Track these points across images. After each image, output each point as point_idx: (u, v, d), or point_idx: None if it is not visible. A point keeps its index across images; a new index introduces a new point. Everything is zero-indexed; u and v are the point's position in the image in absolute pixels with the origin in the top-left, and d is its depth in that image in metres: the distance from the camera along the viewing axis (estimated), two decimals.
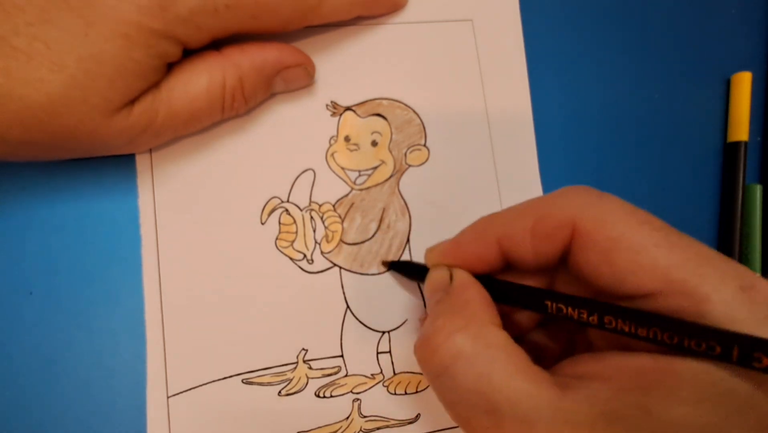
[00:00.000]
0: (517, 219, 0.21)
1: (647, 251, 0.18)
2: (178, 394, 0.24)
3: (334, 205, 0.27)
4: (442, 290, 0.21)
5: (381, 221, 0.27)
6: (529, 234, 0.20)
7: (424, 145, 0.28)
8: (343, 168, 0.27)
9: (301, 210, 0.26)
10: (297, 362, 0.25)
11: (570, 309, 0.19)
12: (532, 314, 0.23)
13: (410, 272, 0.25)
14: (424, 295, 0.22)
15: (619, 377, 0.17)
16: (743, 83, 0.31)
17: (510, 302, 0.21)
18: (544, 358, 0.23)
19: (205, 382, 0.24)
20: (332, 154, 0.27)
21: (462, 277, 0.21)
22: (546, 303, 0.20)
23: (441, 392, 0.19)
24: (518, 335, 0.23)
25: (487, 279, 0.21)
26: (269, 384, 0.25)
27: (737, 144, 0.31)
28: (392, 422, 0.26)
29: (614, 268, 0.18)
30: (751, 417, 0.16)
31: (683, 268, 0.17)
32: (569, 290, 0.22)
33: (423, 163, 0.28)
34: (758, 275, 0.18)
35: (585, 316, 0.19)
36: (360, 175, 0.27)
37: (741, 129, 0.31)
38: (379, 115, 0.28)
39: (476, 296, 0.20)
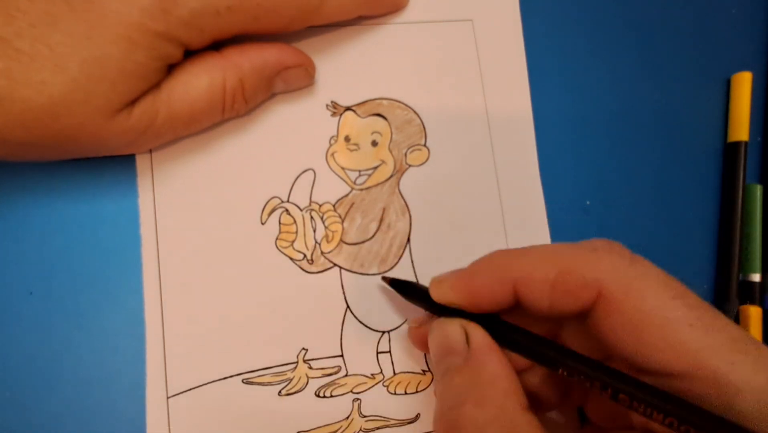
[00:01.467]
0: (539, 266, 0.19)
1: (680, 331, 0.17)
2: (178, 394, 0.24)
3: (334, 205, 0.27)
4: (457, 354, 0.20)
5: (381, 221, 0.27)
6: (549, 286, 0.19)
7: (425, 145, 0.28)
8: (343, 168, 0.27)
9: (301, 210, 0.26)
10: (297, 362, 0.25)
11: (582, 376, 0.18)
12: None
13: (411, 294, 0.24)
14: (432, 351, 0.21)
15: None
16: (743, 83, 0.31)
17: (517, 350, 0.20)
18: (539, 403, 0.22)
19: (205, 382, 0.24)
20: (332, 154, 0.27)
21: (481, 340, 0.20)
22: (558, 366, 0.19)
23: None
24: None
25: (496, 320, 0.20)
26: (269, 384, 0.25)
27: (737, 144, 0.31)
28: (392, 421, 0.26)
29: (641, 342, 0.17)
30: None
31: (715, 353, 0.17)
32: (579, 342, 0.21)
33: (423, 163, 0.28)
34: None
35: (598, 386, 0.18)
36: (360, 175, 0.27)
37: (741, 129, 0.31)
38: (379, 115, 0.28)
39: (501, 371, 0.19)
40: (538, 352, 0.19)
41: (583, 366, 0.18)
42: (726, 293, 0.30)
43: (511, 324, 0.20)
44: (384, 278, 0.25)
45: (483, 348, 0.19)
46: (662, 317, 0.17)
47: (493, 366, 0.19)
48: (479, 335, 0.20)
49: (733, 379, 0.16)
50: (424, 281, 0.27)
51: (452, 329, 0.20)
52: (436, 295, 0.21)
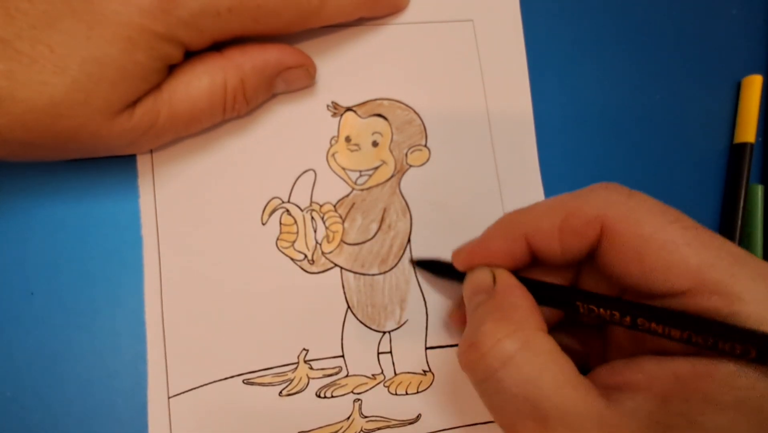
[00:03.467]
0: (545, 215, 0.21)
1: (679, 250, 0.18)
2: (179, 394, 0.24)
3: (334, 206, 0.27)
4: (485, 291, 0.21)
5: (382, 221, 0.27)
6: (557, 230, 0.20)
7: (425, 146, 0.28)
8: (343, 168, 0.27)
9: (301, 210, 0.26)
10: (298, 363, 0.25)
11: (602, 310, 0.19)
12: (553, 314, 0.23)
13: (440, 270, 0.25)
14: (465, 296, 0.22)
15: (659, 385, 0.17)
16: (754, 86, 0.32)
17: (541, 302, 0.21)
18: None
19: (206, 382, 0.24)
20: (333, 155, 0.27)
21: (506, 279, 0.21)
22: (577, 304, 0.20)
23: (487, 396, 0.19)
24: None
25: (524, 279, 0.21)
26: (270, 384, 0.25)
27: (743, 145, 0.31)
28: (393, 422, 0.26)
29: (644, 266, 0.18)
30: None
31: (715, 267, 0.17)
32: (595, 285, 0.22)
33: (424, 164, 0.28)
34: None
35: (618, 316, 0.19)
36: (361, 176, 0.27)
37: (749, 131, 0.31)
38: (379, 115, 0.28)
39: (523, 301, 0.20)
40: (558, 298, 0.21)
41: (597, 302, 0.19)
42: None
43: (533, 280, 0.21)
44: (411, 261, 0.26)
45: (507, 284, 0.21)
46: (661, 240, 0.18)
47: (515, 297, 0.20)
48: (504, 275, 0.21)
49: (735, 289, 0.17)
50: (425, 281, 0.27)
51: (480, 272, 0.22)
52: (459, 264, 0.23)
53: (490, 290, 0.21)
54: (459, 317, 0.25)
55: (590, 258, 0.21)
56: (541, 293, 0.21)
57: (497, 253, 0.22)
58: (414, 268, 0.26)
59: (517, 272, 0.22)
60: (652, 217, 0.19)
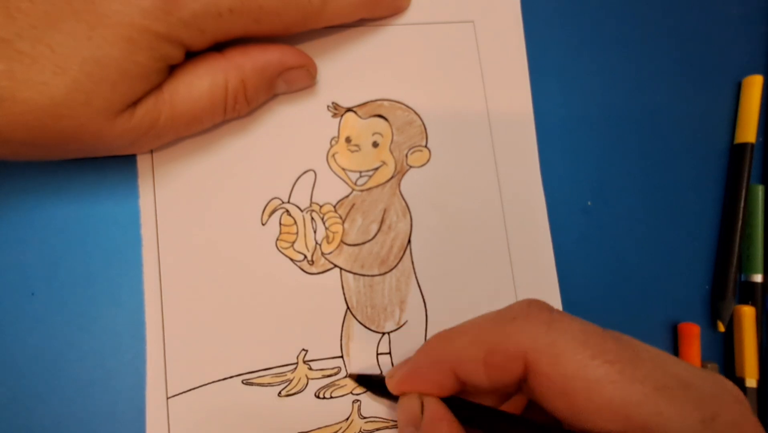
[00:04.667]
0: (468, 348, 0.20)
1: (603, 390, 0.17)
2: (177, 395, 0.24)
3: (334, 206, 0.27)
4: (413, 424, 0.21)
5: (382, 222, 0.27)
6: (482, 365, 0.20)
7: (425, 147, 0.28)
8: (344, 169, 0.27)
9: (301, 211, 0.26)
10: (297, 363, 0.25)
11: None
12: None
13: (377, 389, 0.25)
14: (398, 423, 0.23)
15: None
16: (754, 86, 0.32)
17: (471, 424, 0.21)
18: None
19: (205, 383, 0.24)
20: (333, 155, 0.27)
21: (432, 410, 0.21)
22: (502, 429, 0.20)
23: None
24: None
25: (455, 401, 0.21)
26: (269, 385, 0.25)
27: (744, 145, 0.31)
28: (392, 423, 0.26)
29: (572, 406, 0.18)
30: None
31: (642, 406, 0.17)
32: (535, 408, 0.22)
33: (424, 165, 0.28)
34: (726, 397, 0.17)
35: None
36: (361, 176, 0.27)
37: (749, 131, 0.31)
38: (380, 116, 0.28)
39: None
40: (488, 424, 0.20)
41: (522, 427, 0.19)
42: (723, 292, 0.30)
43: (465, 402, 0.22)
44: (350, 376, 0.26)
45: (434, 415, 0.21)
46: (585, 379, 0.17)
47: (442, 429, 0.20)
48: (432, 406, 0.21)
49: (661, 430, 0.16)
50: (425, 282, 0.27)
51: (409, 402, 0.22)
52: (393, 389, 0.23)
53: (417, 422, 0.21)
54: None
55: (521, 386, 0.20)
56: (470, 416, 0.21)
57: (426, 382, 0.22)
58: (355, 381, 0.26)
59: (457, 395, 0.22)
60: (573, 352, 0.18)
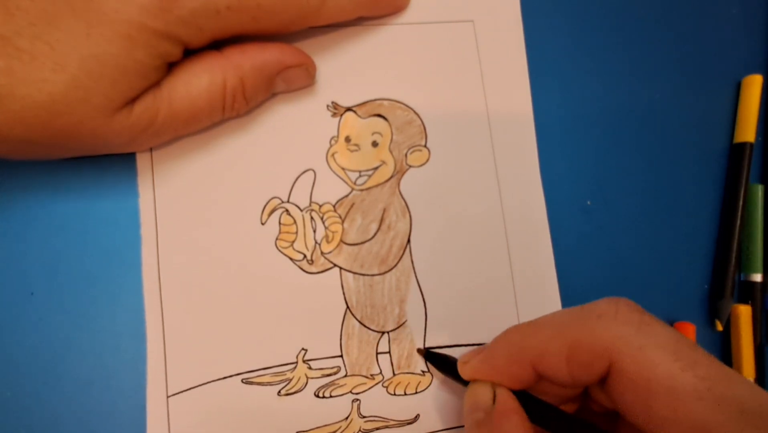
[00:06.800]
0: (551, 341, 0.20)
1: (688, 404, 0.17)
2: (177, 393, 0.24)
3: (334, 206, 0.27)
4: (483, 410, 0.21)
5: (381, 221, 0.27)
6: (564, 360, 0.20)
7: (425, 146, 0.28)
8: (343, 168, 0.27)
9: (301, 210, 0.26)
10: (296, 362, 0.25)
11: None
12: None
13: (447, 369, 0.25)
14: (465, 406, 0.22)
15: None
16: (754, 86, 0.32)
17: (539, 423, 0.21)
18: None
19: (204, 382, 0.24)
20: (333, 155, 0.27)
21: (505, 401, 0.21)
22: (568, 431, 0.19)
23: None
24: None
25: (524, 396, 0.21)
26: (269, 384, 0.25)
27: (743, 145, 0.31)
28: (391, 422, 0.26)
29: (651, 413, 0.18)
30: None
31: (724, 428, 0.17)
32: (607, 401, 0.21)
33: (424, 164, 0.28)
34: None
35: None
36: (360, 176, 0.27)
37: (748, 130, 0.31)
38: (379, 115, 0.28)
39: (519, 427, 0.20)
40: (559, 426, 0.20)
41: None
42: (721, 292, 0.30)
43: (539, 401, 0.21)
44: (419, 350, 0.26)
45: (506, 407, 0.21)
46: (671, 388, 0.17)
47: (512, 424, 0.20)
48: (505, 395, 0.21)
49: None
50: (425, 282, 0.27)
51: (481, 389, 0.22)
52: (464, 374, 0.23)
53: (488, 410, 0.21)
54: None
55: (601, 382, 0.20)
56: (539, 414, 0.21)
57: (502, 373, 0.21)
58: (423, 357, 0.26)
59: (528, 390, 0.22)
60: (663, 360, 0.18)
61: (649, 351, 0.18)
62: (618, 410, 0.19)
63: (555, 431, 0.20)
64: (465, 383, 0.23)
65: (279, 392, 0.25)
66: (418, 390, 0.26)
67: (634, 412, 0.18)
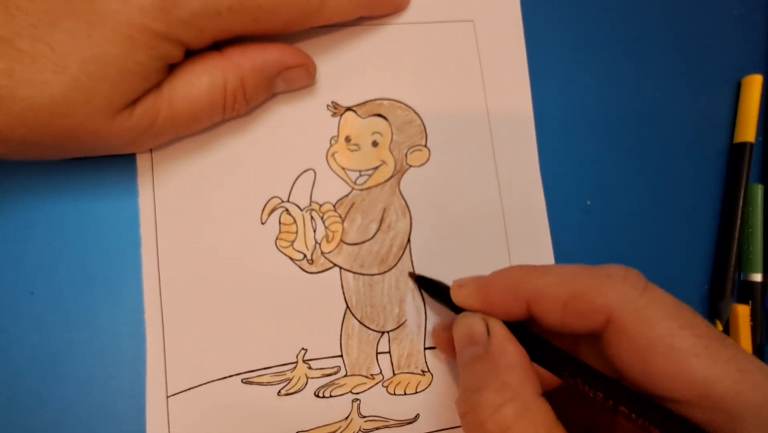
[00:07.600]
0: (552, 287, 0.20)
1: (686, 360, 0.17)
2: (177, 393, 0.24)
3: (334, 206, 0.27)
4: (479, 343, 0.21)
5: (381, 221, 0.27)
6: (560, 307, 0.20)
7: (425, 146, 0.28)
8: (343, 168, 0.27)
9: (301, 210, 0.26)
10: (296, 362, 0.25)
11: (587, 386, 0.19)
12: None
13: (437, 293, 0.25)
14: (456, 337, 0.22)
15: None
16: (754, 86, 0.32)
17: (531, 358, 0.21)
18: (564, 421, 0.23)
19: (204, 382, 0.24)
20: (333, 155, 0.27)
21: (500, 333, 0.21)
22: (564, 373, 0.20)
23: None
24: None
25: (518, 328, 0.21)
26: (269, 384, 0.25)
27: (743, 145, 0.31)
28: (391, 422, 0.26)
29: (648, 369, 0.18)
30: None
31: (720, 383, 0.17)
32: (591, 355, 0.21)
33: (424, 164, 0.28)
34: None
35: (600, 397, 0.18)
36: (360, 176, 0.27)
37: (749, 130, 0.31)
38: (379, 115, 0.28)
39: (519, 360, 0.20)
40: (551, 361, 0.20)
41: (590, 377, 0.19)
42: (721, 292, 0.30)
43: (531, 333, 0.21)
44: (410, 274, 0.26)
45: (502, 339, 0.21)
46: (669, 345, 0.18)
47: (511, 355, 0.20)
48: (498, 327, 0.21)
49: (737, 408, 0.17)
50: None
51: (475, 321, 0.22)
52: (456, 298, 0.23)
53: (484, 343, 0.21)
54: (444, 341, 0.25)
55: (592, 336, 0.20)
56: (532, 349, 0.21)
57: (496, 303, 0.22)
58: (414, 281, 0.26)
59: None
60: (663, 319, 0.18)
61: (650, 311, 0.18)
62: (611, 363, 0.19)
63: (548, 365, 0.21)
64: (457, 310, 0.23)
65: (279, 391, 0.25)
66: (418, 390, 0.26)
67: (631, 369, 0.19)
